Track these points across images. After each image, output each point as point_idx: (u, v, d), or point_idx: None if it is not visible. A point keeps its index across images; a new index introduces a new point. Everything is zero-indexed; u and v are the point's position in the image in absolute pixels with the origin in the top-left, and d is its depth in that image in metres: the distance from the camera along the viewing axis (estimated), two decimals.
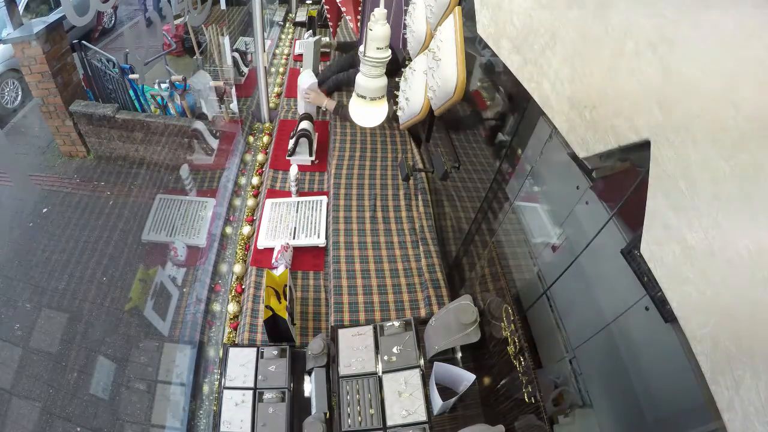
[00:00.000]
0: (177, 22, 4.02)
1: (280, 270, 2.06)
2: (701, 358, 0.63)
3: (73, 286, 3.27)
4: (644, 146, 0.74)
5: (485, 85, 2.75)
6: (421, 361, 1.65)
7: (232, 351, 1.82)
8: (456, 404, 1.54)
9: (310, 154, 2.84)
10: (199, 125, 3.51)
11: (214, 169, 3.51)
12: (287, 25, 5.36)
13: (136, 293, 3.05)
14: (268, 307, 1.76)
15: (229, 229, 2.68)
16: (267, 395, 1.67)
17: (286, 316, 1.76)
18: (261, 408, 1.64)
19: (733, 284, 0.60)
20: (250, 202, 2.72)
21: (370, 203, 2.40)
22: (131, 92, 3.91)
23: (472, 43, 2.51)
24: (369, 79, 1.71)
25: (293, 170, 2.54)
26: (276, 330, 1.83)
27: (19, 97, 3.79)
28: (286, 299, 1.81)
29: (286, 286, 1.84)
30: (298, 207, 2.50)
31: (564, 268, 2.24)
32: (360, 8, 3.48)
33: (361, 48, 1.68)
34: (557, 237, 2.32)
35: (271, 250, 2.25)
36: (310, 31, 4.71)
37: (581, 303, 2.20)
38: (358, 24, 3.53)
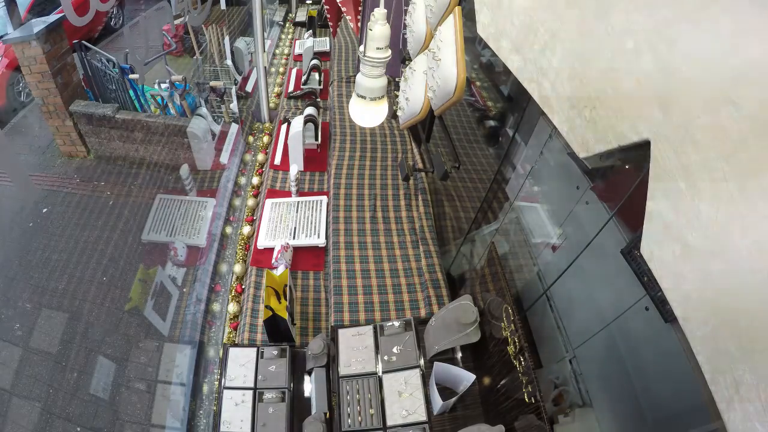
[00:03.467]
0: (177, 22, 4.02)
1: (280, 270, 2.06)
2: (701, 358, 0.63)
3: (73, 286, 3.26)
4: (644, 146, 0.74)
5: (485, 85, 2.74)
6: (421, 361, 1.65)
7: (232, 351, 1.81)
8: (456, 404, 1.54)
9: (316, 138, 2.88)
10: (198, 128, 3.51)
11: (214, 170, 3.50)
12: (287, 25, 5.36)
13: (135, 293, 3.05)
14: (268, 307, 1.76)
15: (229, 229, 2.68)
16: (267, 395, 1.66)
17: (286, 316, 1.76)
18: (261, 408, 1.64)
19: (733, 284, 0.60)
20: (250, 202, 2.72)
21: (370, 203, 2.40)
22: (131, 92, 3.90)
23: (472, 43, 2.51)
24: (369, 79, 1.71)
25: (293, 170, 2.54)
26: (276, 330, 1.83)
27: None
28: (286, 299, 1.81)
29: (286, 286, 1.84)
30: (298, 207, 2.50)
31: (564, 268, 2.23)
32: (360, 8, 3.48)
33: (361, 48, 1.68)
34: (557, 237, 2.32)
35: (271, 250, 2.25)
36: (310, 31, 4.71)
37: (581, 303, 2.20)
38: (358, 24, 3.53)
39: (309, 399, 1.70)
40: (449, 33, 1.67)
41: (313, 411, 1.62)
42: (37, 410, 2.60)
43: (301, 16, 5.27)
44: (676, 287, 0.68)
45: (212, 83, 3.76)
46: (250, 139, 3.36)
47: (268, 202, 2.55)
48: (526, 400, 1.25)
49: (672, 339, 1.73)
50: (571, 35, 0.96)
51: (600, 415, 2.12)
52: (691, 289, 0.66)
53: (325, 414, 1.59)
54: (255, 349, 1.81)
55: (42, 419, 2.56)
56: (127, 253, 3.43)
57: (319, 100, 3.55)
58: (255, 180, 2.90)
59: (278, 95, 3.91)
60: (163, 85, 3.72)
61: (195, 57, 4.15)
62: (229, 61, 3.78)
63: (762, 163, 0.56)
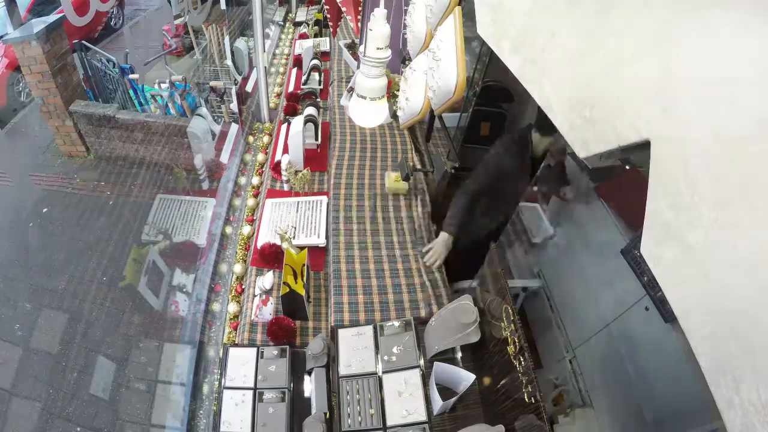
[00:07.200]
0: (177, 22, 4.02)
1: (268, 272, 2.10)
2: (701, 358, 0.63)
3: (73, 286, 3.27)
4: (644, 146, 0.74)
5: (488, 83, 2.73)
6: (421, 361, 1.65)
7: (232, 351, 1.81)
8: (456, 404, 1.54)
9: (316, 138, 2.88)
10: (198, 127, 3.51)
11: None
12: (287, 25, 5.36)
13: (130, 272, 3.09)
14: (285, 283, 1.80)
15: (229, 229, 2.68)
16: (267, 395, 1.66)
17: (303, 293, 1.80)
18: (261, 408, 1.64)
19: (733, 284, 0.60)
20: (250, 202, 2.72)
21: (371, 203, 2.40)
22: (131, 92, 3.91)
23: (472, 43, 2.50)
24: (369, 79, 1.71)
25: (285, 161, 2.58)
26: (292, 307, 1.87)
27: None
28: (303, 279, 1.83)
29: (304, 265, 1.87)
30: (298, 207, 2.50)
31: (564, 267, 2.23)
32: (360, 8, 3.47)
33: (361, 48, 1.68)
34: (557, 237, 2.32)
35: None
36: (308, 30, 4.70)
37: (581, 303, 2.20)
38: (358, 24, 3.53)
39: (309, 399, 1.70)
40: (449, 33, 1.67)
41: (313, 411, 1.62)
42: (37, 410, 2.60)
43: (301, 16, 5.26)
44: (676, 287, 0.68)
45: (212, 83, 3.77)
46: (250, 139, 3.36)
47: (268, 202, 2.55)
48: (526, 400, 1.25)
49: (672, 339, 1.74)
50: (571, 35, 0.96)
51: (600, 415, 2.12)
52: (691, 289, 0.66)
53: (325, 414, 1.59)
54: (255, 349, 1.81)
55: (42, 419, 2.56)
56: (127, 253, 3.43)
57: (319, 100, 3.55)
58: (255, 180, 2.90)
59: (278, 95, 3.91)
60: (163, 85, 3.72)
61: (195, 57, 4.15)
62: (229, 61, 3.77)
63: (762, 164, 0.56)
